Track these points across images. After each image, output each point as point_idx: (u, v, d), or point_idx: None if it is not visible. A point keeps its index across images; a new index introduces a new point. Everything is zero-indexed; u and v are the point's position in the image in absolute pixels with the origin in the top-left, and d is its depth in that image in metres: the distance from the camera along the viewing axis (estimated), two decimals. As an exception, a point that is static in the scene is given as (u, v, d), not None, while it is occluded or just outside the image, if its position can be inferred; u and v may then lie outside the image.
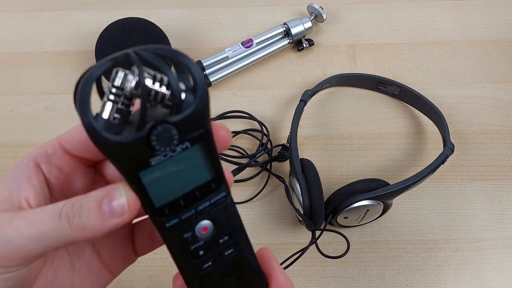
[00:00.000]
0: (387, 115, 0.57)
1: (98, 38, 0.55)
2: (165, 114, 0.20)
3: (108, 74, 0.20)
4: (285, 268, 0.45)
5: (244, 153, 0.54)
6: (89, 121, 0.19)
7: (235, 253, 0.25)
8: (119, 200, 0.21)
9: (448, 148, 0.47)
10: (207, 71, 0.58)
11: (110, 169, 0.26)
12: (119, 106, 0.20)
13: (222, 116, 0.56)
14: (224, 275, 0.25)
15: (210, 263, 0.25)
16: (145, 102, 0.19)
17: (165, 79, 0.20)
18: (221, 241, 0.24)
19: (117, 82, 0.20)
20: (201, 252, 0.24)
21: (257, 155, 0.53)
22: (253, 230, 0.51)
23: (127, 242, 0.27)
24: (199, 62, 0.58)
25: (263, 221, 0.51)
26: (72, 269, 0.25)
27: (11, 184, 0.22)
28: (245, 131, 0.55)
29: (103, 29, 0.55)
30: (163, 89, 0.20)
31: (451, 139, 0.48)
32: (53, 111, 0.57)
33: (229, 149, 0.54)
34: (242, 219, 0.25)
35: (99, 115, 0.20)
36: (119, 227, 0.21)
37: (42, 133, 0.56)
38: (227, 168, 0.24)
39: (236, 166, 0.52)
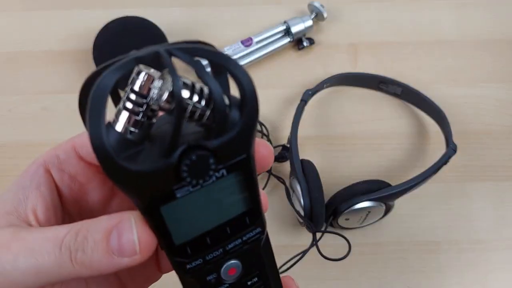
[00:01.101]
0: (389, 115, 0.57)
1: (96, 37, 0.54)
2: (199, 134, 0.16)
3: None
4: (285, 270, 0.44)
5: (244, 154, 0.54)
6: (102, 145, 0.14)
7: None
8: (129, 236, 0.17)
9: (451, 148, 0.46)
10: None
11: None
12: (139, 118, 0.16)
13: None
14: None
15: None
16: (180, 122, 0.15)
17: (205, 90, 0.16)
18: (249, 283, 0.21)
19: (138, 86, 0.15)
20: None
21: (257, 156, 0.52)
22: (253, 231, 0.50)
23: (150, 258, 0.25)
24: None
25: (263, 222, 0.51)
26: None
27: (19, 193, 0.19)
28: (245, 131, 0.55)
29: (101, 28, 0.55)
30: (203, 104, 0.16)
31: (454, 139, 0.48)
32: (52, 111, 0.57)
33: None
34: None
35: (111, 125, 0.16)
36: (132, 266, 0.17)
37: (40, 134, 0.55)
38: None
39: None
